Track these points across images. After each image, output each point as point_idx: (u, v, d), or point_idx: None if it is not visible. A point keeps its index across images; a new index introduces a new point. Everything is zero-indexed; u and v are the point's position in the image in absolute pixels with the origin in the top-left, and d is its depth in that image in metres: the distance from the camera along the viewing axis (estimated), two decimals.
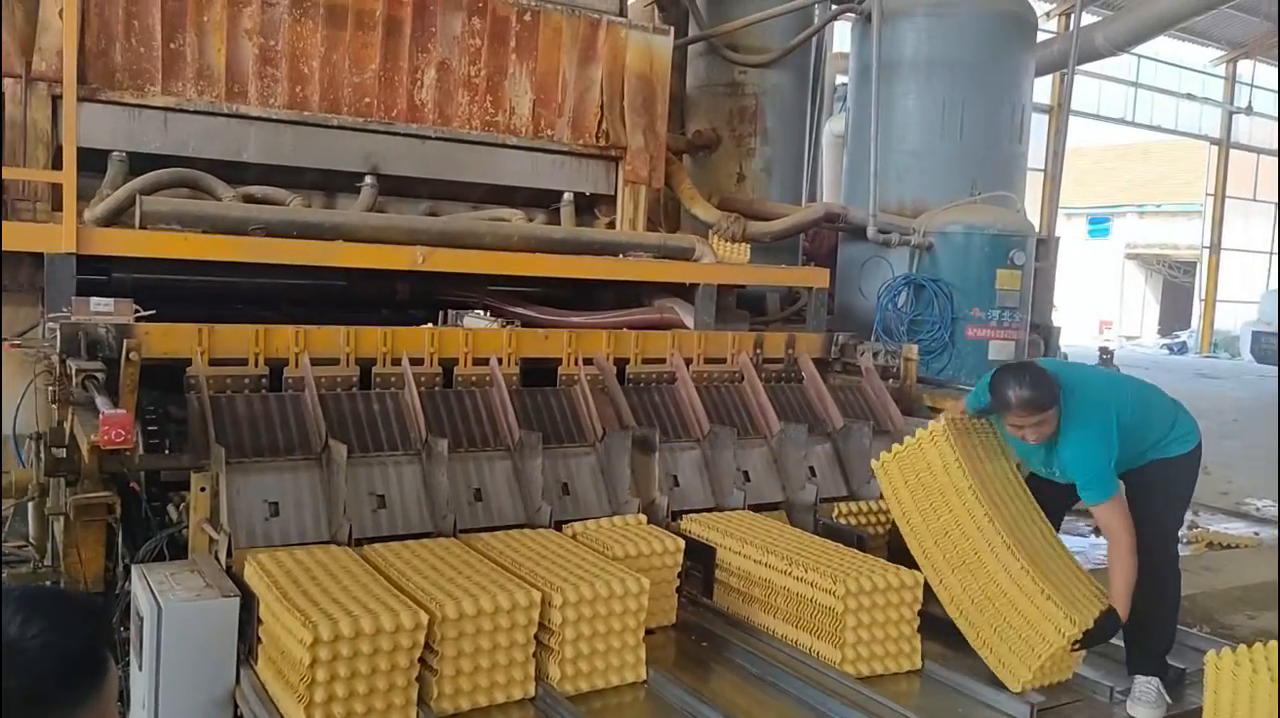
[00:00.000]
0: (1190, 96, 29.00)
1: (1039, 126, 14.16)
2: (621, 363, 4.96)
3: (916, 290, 7.90)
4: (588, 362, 4.84)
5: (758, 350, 5.36)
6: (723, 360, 5.27)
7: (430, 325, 4.92)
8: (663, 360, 5.08)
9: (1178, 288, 34.49)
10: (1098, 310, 32.53)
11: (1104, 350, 15.31)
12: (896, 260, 8.12)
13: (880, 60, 8.18)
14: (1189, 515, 7.29)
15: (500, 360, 4.60)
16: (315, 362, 4.23)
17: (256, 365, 4.16)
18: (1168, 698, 3.40)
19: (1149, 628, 3.56)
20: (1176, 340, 30.23)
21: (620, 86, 6.68)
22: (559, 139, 6.54)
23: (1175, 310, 34.39)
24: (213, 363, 4.09)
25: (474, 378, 4.54)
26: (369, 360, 4.38)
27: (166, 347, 3.99)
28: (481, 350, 4.61)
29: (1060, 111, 12.33)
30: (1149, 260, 35.17)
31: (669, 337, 5.19)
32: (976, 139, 8.22)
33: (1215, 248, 30.23)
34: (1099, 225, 34.59)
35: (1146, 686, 3.39)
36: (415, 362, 4.43)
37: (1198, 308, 31.02)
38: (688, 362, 5.09)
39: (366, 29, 5.87)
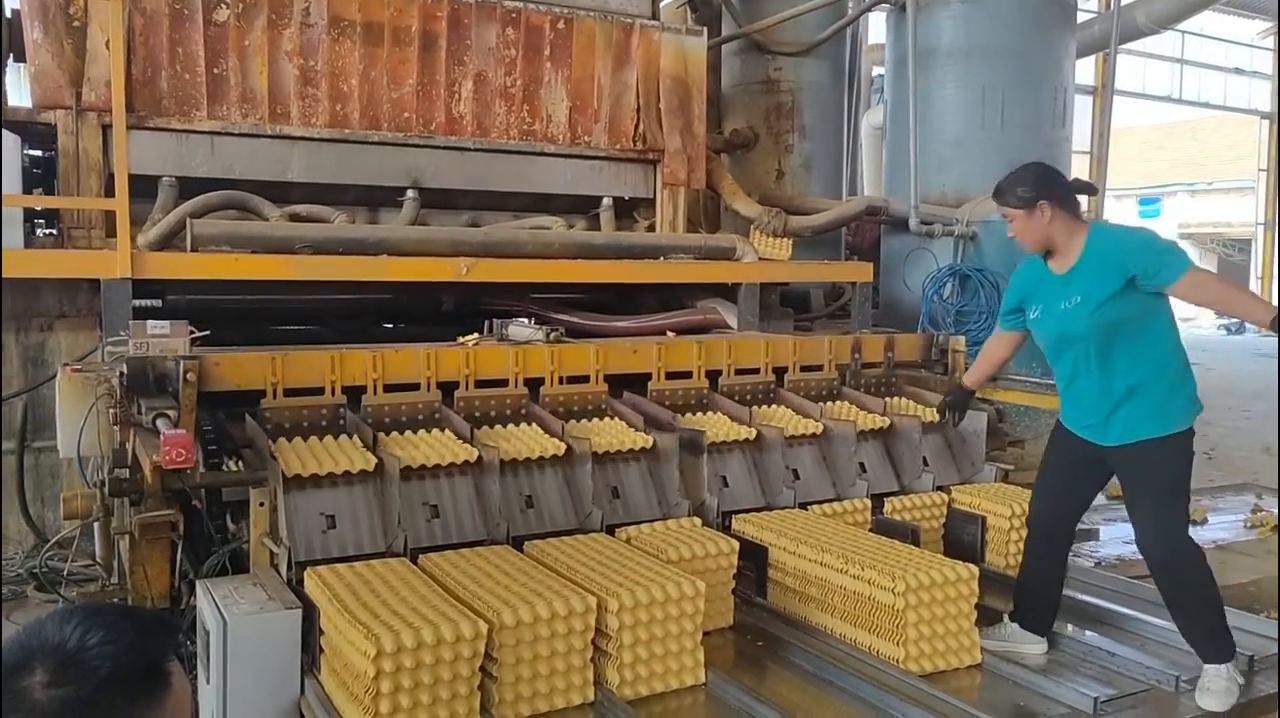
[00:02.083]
0: (1238, 71, 28.33)
1: (1083, 109, 13.93)
2: (714, 374, 4.86)
3: (962, 281, 7.82)
4: (681, 375, 4.72)
5: (855, 355, 5.26)
6: (819, 367, 5.10)
7: (475, 335, 4.95)
8: (756, 371, 4.95)
9: (1233, 266, 33.69)
10: None
11: None
12: (940, 251, 8.05)
13: (916, 50, 8.12)
14: (1252, 498, 7.13)
15: (588, 378, 4.49)
16: (389, 388, 4.08)
17: (334, 394, 3.99)
18: (1239, 681, 3.27)
19: (1195, 613, 3.36)
20: (1234, 321, 29.54)
21: (655, 89, 6.70)
22: (596, 145, 6.58)
23: None
24: (286, 393, 3.94)
25: (561, 398, 4.43)
26: (451, 383, 4.22)
27: (239, 378, 3.86)
28: (569, 368, 4.47)
29: (1104, 93, 12.12)
30: (1202, 239, 34.41)
31: (763, 345, 5.04)
32: (1018, 125, 8.13)
33: (1270, 224, 29.48)
34: (1150, 206, 33.90)
35: (1215, 674, 3.31)
36: (500, 383, 4.29)
37: (1255, 285, 30.30)
38: (780, 371, 4.98)
39: (403, 45, 5.96)
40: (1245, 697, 3.31)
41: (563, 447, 4.03)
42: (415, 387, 4.16)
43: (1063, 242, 3.40)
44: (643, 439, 4.22)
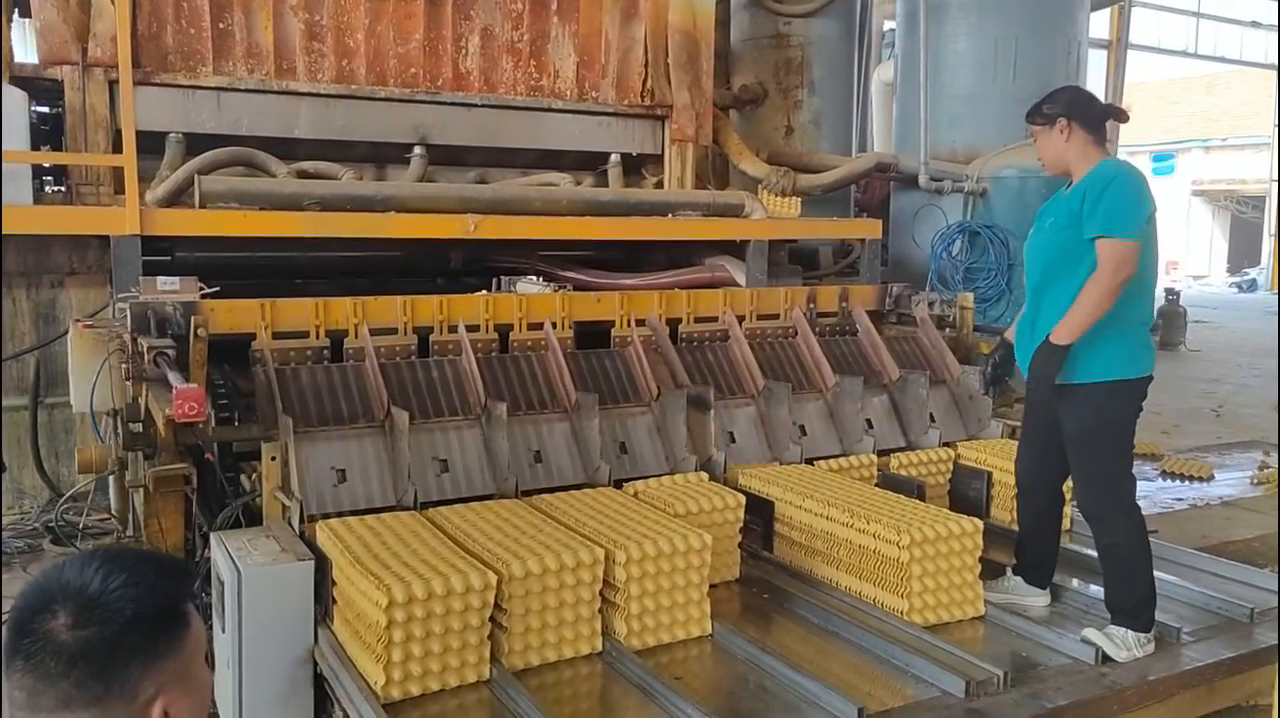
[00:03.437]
0: (1255, 24, 27.87)
1: (1097, 63, 13.76)
2: (674, 323, 4.98)
3: (971, 238, 7.78)
4: (640, 323, 4.86)
5: (811, 305, 5.34)
6: (776, 316, 5.26)
7: (485, 293, 4.97)
8: (715, 319, 5.08)
9: (1247, 223, 33.43)
10: (1164, 251, 31.65)
11: (1170, 292, 14.98)
12: (950, 208, 8.00)
13: (928, 2, 8.00)
14: (1259, 455, 7.15)
15: (555, 325, 4.64)
16: (374, 332, 4.31)
17: (318, 338, 4.25)
18: (1139, 655, 3.21)
19: (1119, 576, 3.32)
20: (1246, 278, 29.36)
21: (664, 44, 6.64)
22: (604, 100, 6.54)
23: (1244, 247, 33.35)
24: (275, 337, 4.18)
25: (529, 343, 4.59)
26: (426, 329, 4.44)
27: (231, 322, 4.09)
28: (536, 315, 4.65)
29: (1118, 47, 11.96)
30: (1216, 196, 34.10)
31: (721, 295, 5.19)
32: (1030, 80, 8.01)
33: None
34: (1163, 163, 33.55)
35: (1124, 632, 3.25)
36: (471, 328, 4.48)
37: (1268, 243, 30.05)
38: (740, 319, 5.09)
39: None
40: (1249, 647, 3.35)
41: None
42: (394, 331, 4.38)
43: (1076, 166, 3.35)
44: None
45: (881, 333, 5.33)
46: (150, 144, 5.14)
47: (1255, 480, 6.43)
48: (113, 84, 5.16)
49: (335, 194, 5.15)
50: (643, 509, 3.59)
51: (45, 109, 5.41)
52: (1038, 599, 3.65)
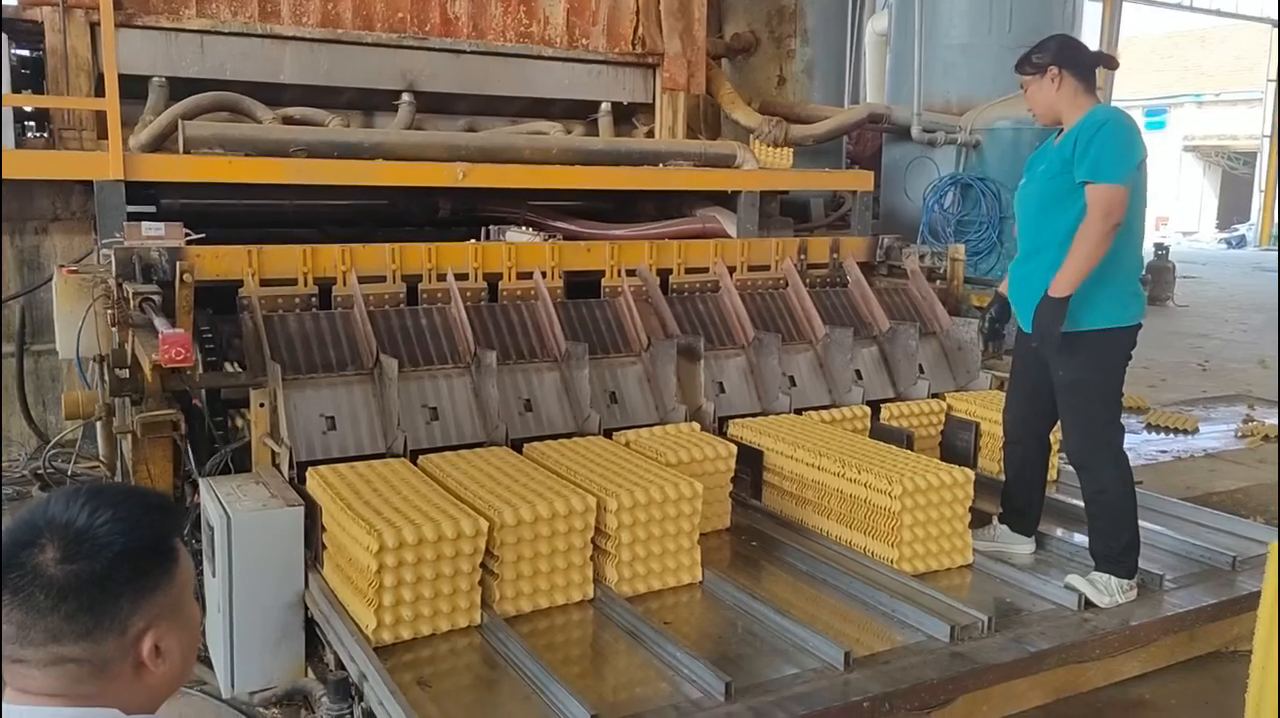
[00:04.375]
0: None
1: (1092, 14, 13.61)
2: (665, 273, 4.96)
3: (963, 190, 7.75)
4: (631, 273, 4.84)
5: (801, 256, 5.32)
6: (767, 268, 5.23)
7: (474, 241, 4.94)
8: (706, 269, 5.06)
9: (1237, 179, 33.38)
10: (1154, 206, 31.62)
11: (1159, 247, 14.99)
12: (942, 160, 7.95)
13: None
14: (1244, 409, 7.20)
15: (544, 274, 4.61)
16: (362, 279, 4.28)
17: (306, 285, 4.23)
18: (1122, 600, 3.26)
19: (1103, 524, 3.36)
20: (1235, 234, 29.38)
21: None
22: (594, 48, 6.45)
23: (1234, 203, 33.33)
24: (263, 283, 4.16)
25: (519, 292, 4.57)
26: (415, 277, 4.42)
27: (218, 269, 4.08)
28: (525, 264, 4.63)
29: None
30: (1207, 152, 34.00)
31: (712, 245, 5.17)
32: (1026, 30, 7.92)
33: (1276, 136, 29.11)
34: (1155, 118, 33.38)
35: (1108, 578, 3.30)
36: (460, 277, 4.46)
37: (1257, 200, 30.03)
38: (731, 270, 5.07)
39: None
40: (1230, 594, 3.39)
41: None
42: (383, 279, 4.37)
43: (1067, 114, 3.33)
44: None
45: (872, 285, 5.32)
46: (133, 89, 5.05)
47: (1239, 433, 6.49)
48: (94, 26, 5.06)
49: (322, 141, 5.08)
50: (634, 458, 3.60)
51: (25, 52, 5.31)
52: (1023, 547, 3.69)
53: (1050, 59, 3.31)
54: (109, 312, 3.59)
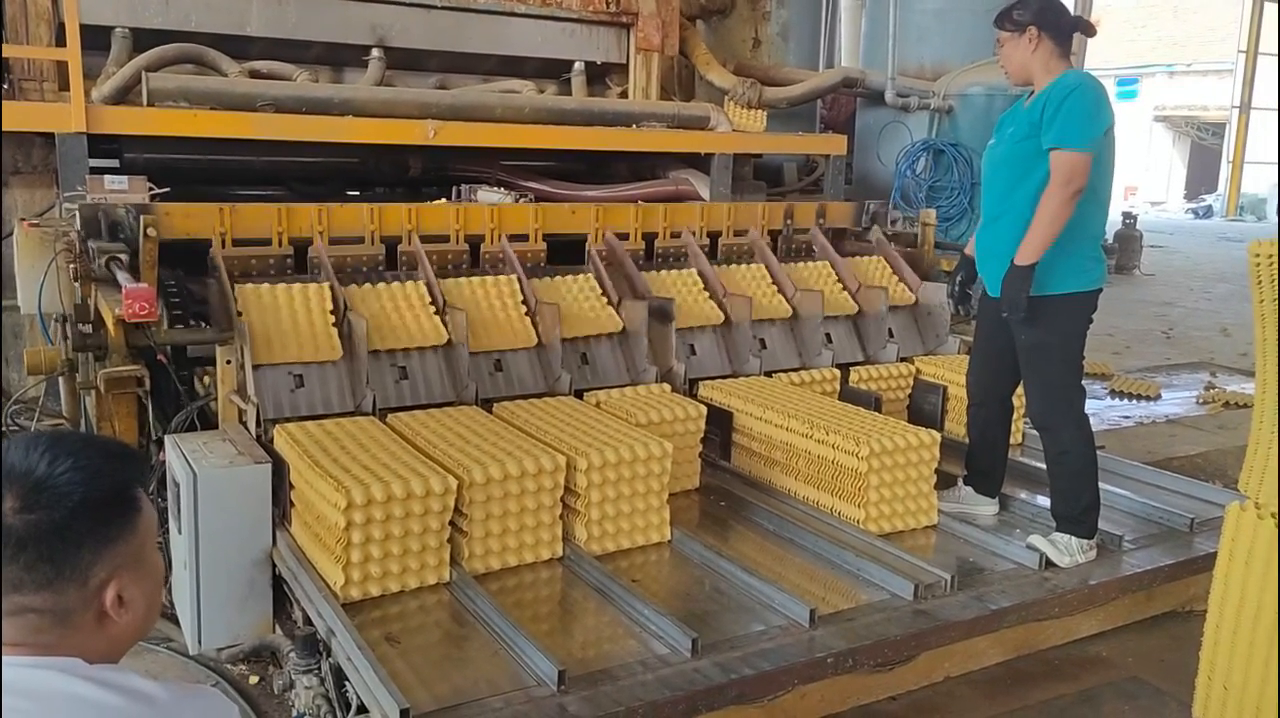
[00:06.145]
0: None
1: None
2: (650, 237, 4.91)
3: (936, 155, 7.76)
4: (623, 237, 4.79)
5: (788, 221, 5.28)
6: (746, 232, 5.20)
7: (443, 201, 4.88)
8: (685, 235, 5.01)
9: (1206, 150, 33.64)
10: (1123, 176, 31.82)
11: (1127, 216, 15.10)
12: (916, 125, 7.95)
13: None
14: (1206, 376, 7.31)
15: (526, 236, 4.55)
16: (340, 240, 4.18)
17: (280, 246, 4.11)
18: (1081, 560, 3.33)
19: (1065, 486, 3.41)
20: (1202, 204, 29.64)
21: None
22: (568, 6, 6.36)
23: (1203, 174, 33.61)
24: (235, 243, 4.04)
25: (501, 254, 4.51)
26: (394, 239, 4.32)
27: (187, 227, 3.96)
28: (508, 227, 4.55)
29: None
30: (1177, 123, 34.20)
31: (697, 209, 5.12)
32: None
33: (1245, 107, 29.31)
34: (1127, 88, 33.49)
35: (1068, 538, 3.36)
36: (441, 239, 4.38)
37: (1225, 171, 30.31)
38: (714, 235, 5.03)
39: None
40: (1187, 555, 3.46)
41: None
42: (361, 240, 4.27)
43: (1039, 76, 3.33)
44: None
45: (842, 251, 5.33)
46: (95, 39, 4.92)
47: (1200, 400, 6.59)
48: None
49: (290, 96, 4.98)
50: (604, 418, 3.61)
51: None
52: (987, 508, 3.74)
53: (1030, 18, 3.31)
54: (71, 266, 3.53)
